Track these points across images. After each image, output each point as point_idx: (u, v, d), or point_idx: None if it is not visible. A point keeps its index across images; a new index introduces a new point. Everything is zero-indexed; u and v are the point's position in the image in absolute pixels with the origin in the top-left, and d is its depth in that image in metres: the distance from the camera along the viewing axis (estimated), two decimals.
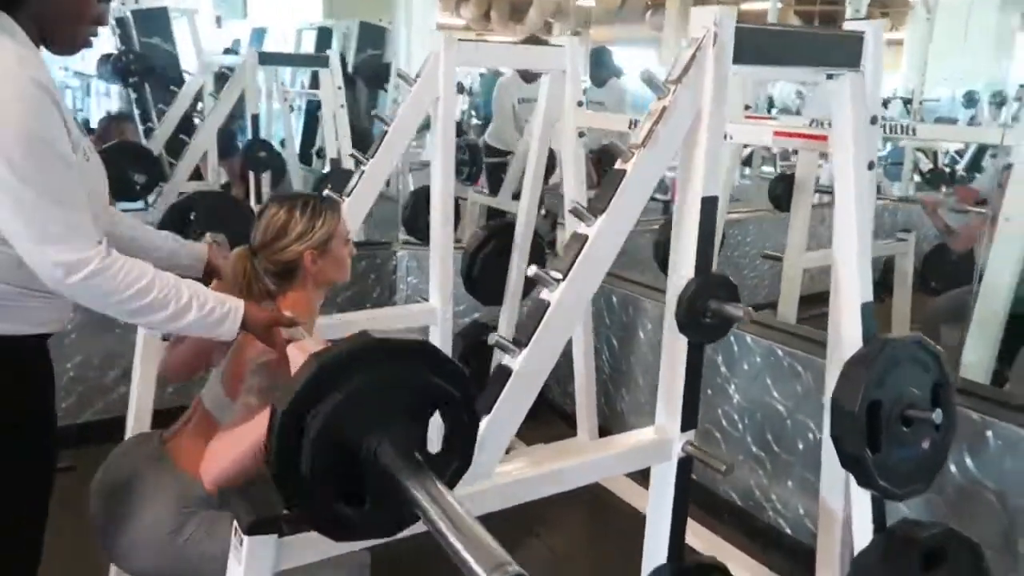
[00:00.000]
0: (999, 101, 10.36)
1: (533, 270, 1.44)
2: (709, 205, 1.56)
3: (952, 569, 1.70)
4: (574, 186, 2.73)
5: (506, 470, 1.51)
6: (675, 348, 1.65)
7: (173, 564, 1.49)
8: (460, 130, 5.88)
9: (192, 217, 2.41)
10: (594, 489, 2.41)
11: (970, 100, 9.87)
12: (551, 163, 3.24)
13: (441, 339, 2.54)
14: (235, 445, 1.36)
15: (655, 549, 1.74)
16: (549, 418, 3.45)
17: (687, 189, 1.58)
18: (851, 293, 1.76)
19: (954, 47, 9.89)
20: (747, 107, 3.08)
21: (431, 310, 2.55)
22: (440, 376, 1.09)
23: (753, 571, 2.34)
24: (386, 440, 1.02)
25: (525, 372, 1.43)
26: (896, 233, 3.69)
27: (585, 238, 1.46)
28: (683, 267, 1.60)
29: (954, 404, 1.75)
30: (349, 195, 2.28)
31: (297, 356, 1.37)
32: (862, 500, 1.77)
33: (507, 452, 2.96)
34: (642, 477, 2.65)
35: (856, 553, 1.76)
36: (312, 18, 5.54)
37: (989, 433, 1.92)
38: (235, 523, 1.24)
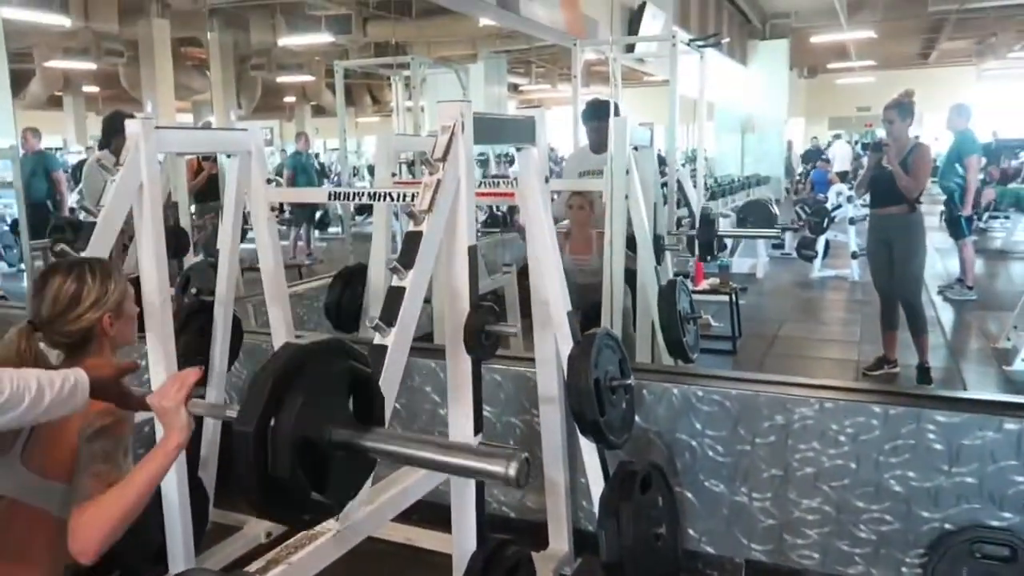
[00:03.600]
0: (508, 160, 12.80)
1: (374, 320, 1.71)
2: (473, 251, 2.00)
3: (655, 487, 2.40)
4: (271, 257, 2.89)
5: (375, 495, 1.74)
6: (461, 369, 2.05)
7: None
8: None
9: None
10: None
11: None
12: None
13: None
14: (109, 511, 1.36)
15: (464, 541, 2.09)
16: None
17: (454, 240, 1.99)
18: (557, 306, 2.35)
19: None
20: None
21: None
22: (356, 360, 1.34)
23: None
24: (333, 424, 1.25)
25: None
26: (501, 267, 4.54)
27: (403, 289, 1.78)
28: (460, 302, 2.01)
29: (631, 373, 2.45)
30: None
31: (161, 402, 1.40)
32: (592, 456, 2.36)
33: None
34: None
35: (598, 496, 2.34)
36: None
37: (645, 391, 2.69)
38: None
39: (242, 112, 15.34)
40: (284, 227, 8.54)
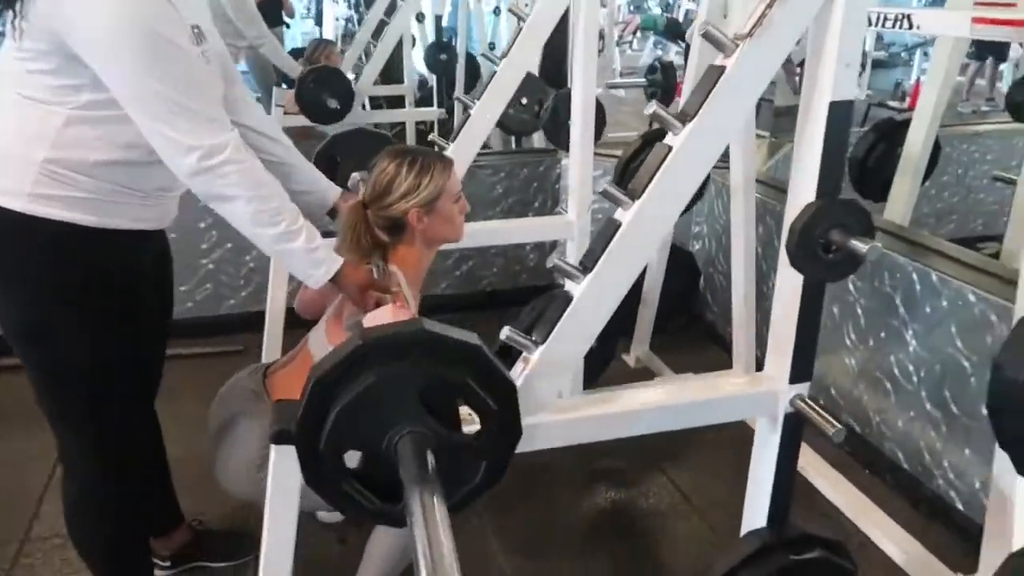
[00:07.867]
0: None
1: (604, 186, 1.25)
2: (840, 111, 1.26)
3: None
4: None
5: (568, 404, 1.37)
6: (787, 285, 1.39)
7: (259, 494, 1.55)
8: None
9: (339, 160, 2.37)
10: (739, 425, 2.18)
11: None
12: None
13: (578, 253, 2.40)
14: None
15: (755, 513, 1.53)
16: (709, 347, 3.23)
17: (813, 90, 1.28)
18: None
19: None
20: None
21: (567, 223, 2.41)
22: (483, 386, 0.96)
23: (903, 546, 2.02)
24: (408, 435, 0.94)
25: (586, 301, 1.26)
26: None
27: (669, 149, 1.24)
28: (802, 186, 1.32)
29: None
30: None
31: (370, 324, 1.35)
32: None
33: (652, 379, 2.82)
34: None
35: (1013, 549, 1.42)
36: None
37: None
38: None
39: None
40: None
